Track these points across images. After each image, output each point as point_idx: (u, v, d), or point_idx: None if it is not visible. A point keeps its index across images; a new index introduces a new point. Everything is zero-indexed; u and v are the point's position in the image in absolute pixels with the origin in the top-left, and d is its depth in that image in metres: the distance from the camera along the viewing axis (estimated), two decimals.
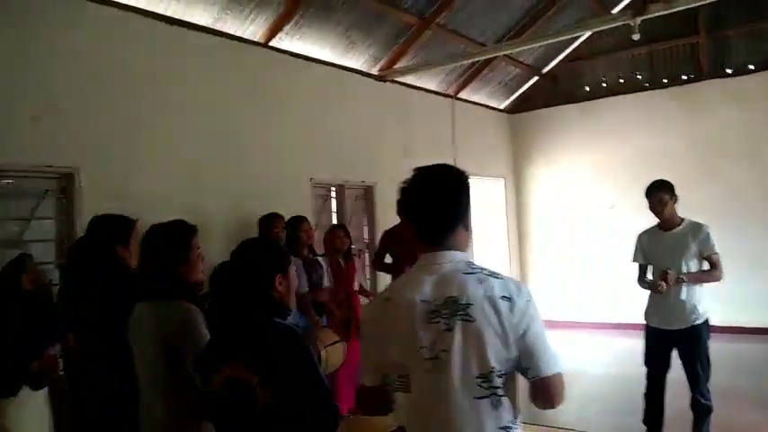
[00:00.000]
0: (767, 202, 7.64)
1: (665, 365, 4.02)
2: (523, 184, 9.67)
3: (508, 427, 1.53)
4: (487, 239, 9.30)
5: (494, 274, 1.58)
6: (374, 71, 6.94)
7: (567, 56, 9.19)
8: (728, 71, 8.10)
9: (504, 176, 9.45)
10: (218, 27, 5.27)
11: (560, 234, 9.23)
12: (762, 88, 7.75)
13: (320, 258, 4.96)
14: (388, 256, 5.61)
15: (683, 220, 4.03)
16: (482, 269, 1.59)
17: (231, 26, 5.41)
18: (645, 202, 4.10)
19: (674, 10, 5.21)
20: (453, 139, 8.15)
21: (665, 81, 8.51)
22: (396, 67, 6.97)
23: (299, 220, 4.90)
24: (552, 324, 9.25)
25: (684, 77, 8.40)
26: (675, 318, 3.93)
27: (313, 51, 6.18)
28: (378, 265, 5.77)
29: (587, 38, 8.82)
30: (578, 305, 8.83)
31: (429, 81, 7.88)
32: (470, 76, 8.23)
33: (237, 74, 5.39)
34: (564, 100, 9.23)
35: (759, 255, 7.55)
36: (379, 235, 6.30)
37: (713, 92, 8.08)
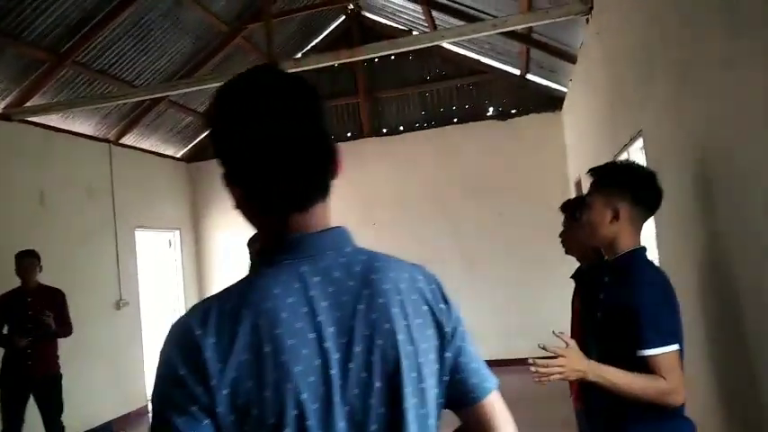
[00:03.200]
0: (422, 250, 8.47)
1: None
2: (202, 233, 9.33)
3: None
4: (163, 292, 8.73)
5: None
6: None
7: None
8: (384, 130, 8.96)
9: (180, 227, 8.98)
10: None
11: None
12: (408, 146, 8.70)
13: None
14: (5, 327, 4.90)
15: None
16: None
17: None
18: None
19: (301, 69, 5.43)
20: (112, 188, 7.45)
21: (333, 137, 9.03)
22: (27, 105, 6.10)
23: None
24: None
25: (349, 135, 9.04)
26: None
27: None
28: None
29: None
30: None
31: (81, 124, 7.08)
32: (132, 120, 7.65)
33: None
34: None
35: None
36: None
37: (373, 149, 8.83)
